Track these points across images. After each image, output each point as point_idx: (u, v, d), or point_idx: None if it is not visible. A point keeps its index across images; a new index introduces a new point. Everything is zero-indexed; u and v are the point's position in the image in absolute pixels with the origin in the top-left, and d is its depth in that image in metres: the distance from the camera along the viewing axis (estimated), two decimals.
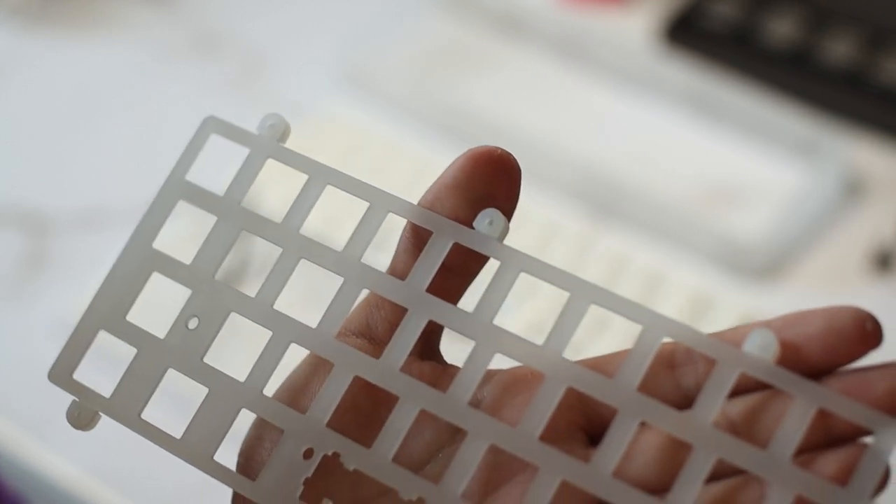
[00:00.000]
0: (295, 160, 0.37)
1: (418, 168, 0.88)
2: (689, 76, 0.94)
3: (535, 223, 0.86)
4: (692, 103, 0.94)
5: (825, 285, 0.83)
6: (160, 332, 0.37)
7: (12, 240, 0.85)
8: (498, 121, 0.91)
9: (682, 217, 0.85)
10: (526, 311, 0.78)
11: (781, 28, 0.96)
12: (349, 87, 0.95)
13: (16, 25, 1.00)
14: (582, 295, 0.34)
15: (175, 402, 0.43)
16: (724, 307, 0.81)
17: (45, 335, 0.78)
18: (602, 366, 0.34)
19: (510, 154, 0.36)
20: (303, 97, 0.95)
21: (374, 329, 0.36)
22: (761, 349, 0.32)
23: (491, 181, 0.35)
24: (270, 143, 0.38)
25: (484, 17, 1.01)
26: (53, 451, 0.73)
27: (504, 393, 0.35)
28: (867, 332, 0.32)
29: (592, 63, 0.97)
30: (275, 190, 0.82)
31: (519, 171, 0.35)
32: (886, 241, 0.85)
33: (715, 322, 0.80)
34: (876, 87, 0.93)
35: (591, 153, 0.90)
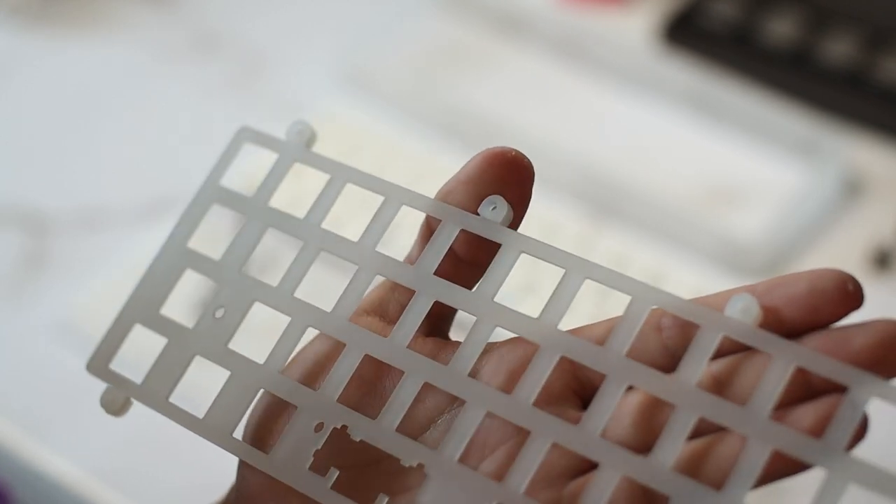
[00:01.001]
0: (321, 163, 0.40)
1: (418, 168, 0.88)
2: (689, 76, 0.94)
3: (535, 223, 0.86)
4: (692, 103, 0.94)
5: None
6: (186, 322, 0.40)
7: (12, 240, 0.85)
8: (498, 120, 0.91)
9: (682, 217, 0.85)
10: (526, 310, 0.78)
11: (781, 28, 0.96)
12: (349, 87, 0.95)
13: (16, 25, 1.00)
14: (576, 271, 0.36)
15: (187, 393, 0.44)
16: None
17: (45, 335, 0.78)
18: (594, 334, 0.36)
19: (524, 156, 0.37)
20: (303, 97, 0.95)
21: (386, 309, 0.39)
22: (742, 313, 0.33)
23: (502, 180, 0.37)
24: (298, 147, 0.41)
25: (484, 17, 1.01)
26: (53, 451, 0.73)
27: (502, 363, 0.37)
28: (848, 292, 0.33)
29: (592, 63, 0.97)
30: (283, 186, 0.82)
31: (532, 172, 0.37)
32: (886, 240, 0.85)
33: None
34: (876, 87, 0.93)
35: (591, 153, 0.90)
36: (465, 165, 0.37)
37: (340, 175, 0.40)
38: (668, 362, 0.35)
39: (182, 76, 0.97)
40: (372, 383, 0.37)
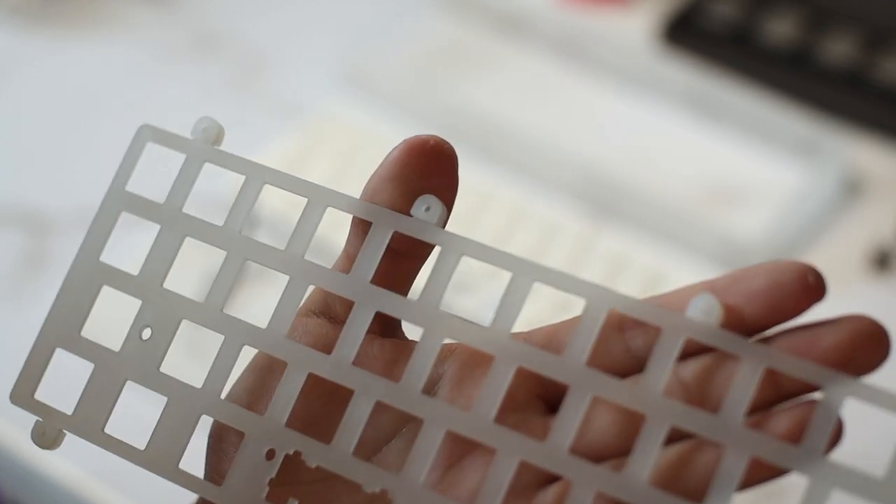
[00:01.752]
0: (231, 162, 0.37)
1: None
2: (689, 76, 0.94)
3: (535, 223, 0.86)
4: (692, 103, 0.94)
5: None
6: (118, 344, 0.37)
7: (12, 240, 0.85)
8: (498, 120, 0.91)
9: (682, 217, 0.85)
10: (526, 311, 0.78)
11: (781, 28, 0.96)
12: (349, 87, 0.95)
13: (16, 25, 1.00)
14: (523, 273, 0.34)
15: (139, 409, 0.43)
16: None
17: None
18: (552, 338, 0.35)
19: (445, 142, 0.35)
20: (303, 97, 0.95)
21: (332, 308, 0.37)
22: (705, 313, 0.32)
23: (427, 171, 0.35)
24: (206, 147, 0.38)
25: (484, 17, 1.01)
26: (53, 452, 0.73)
27: (463, 367, 0.36)
28: (809, 285, 0.32)
29: (592, 63, 0.97)
30: (274, 189, 0.82)
31: (455, 158, 0.35)
32: (885, 240, 0.85)
33: None
34: (876, 87, 0.93)
35: (591, 153, 0.90)
36: (387, 160, 0.35)
37: (256, 176, 0.37)
38: (633, 364, 0.34)
39: (182, 76, 0.97)
40: (326, 404, 0.36)
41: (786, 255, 0.84)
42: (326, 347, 0.35)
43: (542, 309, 0.79)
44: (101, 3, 1.02)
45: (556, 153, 0.89)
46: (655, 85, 0.95)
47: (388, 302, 0.35)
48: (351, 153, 0.89)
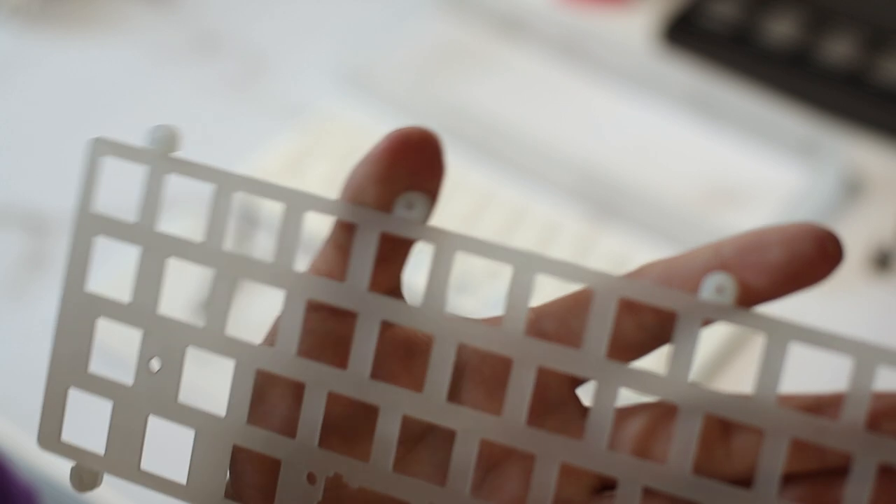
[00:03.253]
0: (197, 171, 0.34)
1: None
2: (689, 76, 0.95)
3: (535, 223, 0.86)
4: (692, 103, 0.94)
5: (825, 285, 0.83)
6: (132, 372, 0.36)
7: (12, 240, 0.86)
8: (498, 120, 0.91)
9: (682, 217, 0.85)
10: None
11: (781, 28, 0.96)
12: (349, 88, 0.95)
13: (16, 25, 1.00)
14: (525, 266, 0.33)
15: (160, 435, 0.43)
16: None
17: (46, 335, 0.78)
18: (564, 321, 0.34)
19: (429, 133, 0.33)
20: (303, 98, 0.95)
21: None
22: (719, 292, 0.31)
23: (412, 167, 0.33)
24: (167, 158, 0.35)
25: (484, 18, 1.01)
26: None
27: (483, 363, 0.34)
28: (829, 253, 0.31)
29: (593, 63, 0.97)
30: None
31: (440, 147, 0.33)
32: (886, 241, 0.85)
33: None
34: (876, 87, 0.93)
35: (592, 153, 0.90)
36: (369, 157, 0.33)
37: (227, 184, 0.34)
38: (649, 340, 0.33)
39: (182, 76, 0.97)
40: (353, 421, 0.35)
41: None
42: (336, 346, 0.34)
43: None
44: (101, 3, 1.02)
45: (556, 153, 0.89)
46: (655, 85, 0.95)
47: (391, 310, 0.34)
48: (351, 153, 0.89)
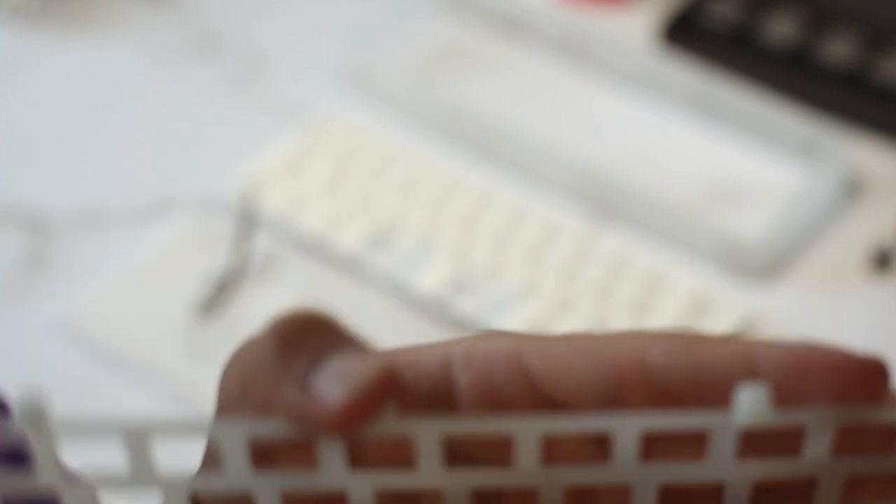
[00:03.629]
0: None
1: (418, 169, 0.88)
2: (689, 76, 0.95)
3: (534, 223, 0.86)
4: (692, 103, 0.94)
5: (825, 285, 0.83)
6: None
7: (12, 240, 0.86)
8: (498, 120, 0.91)
9: (682, 217, 0.85)
10: (526, 311, 0.78)
11: (781, 28, 0.96)
12: (349, 88, 0.95)
13: (16, 25, 1.00)
14: (526, 431, 0.27)
15: None
16: (723, 307, 0.81)
17: (46, 335, 0.78)
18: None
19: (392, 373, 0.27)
20: (303, 98, 0.95)
21: None
22: (752, 406, 0.27)
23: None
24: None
25: (484, 18, 1.01)
26: None
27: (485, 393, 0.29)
28: (872, 392, 0.27)
29: (593, 63, 0.97)
30: (276, 189, 0.82)
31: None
32: (886, 241, 0.85)
33: (715, 322, 0.80)
34: (876, 87, 0.93)
35: (592, 153, 0.90)
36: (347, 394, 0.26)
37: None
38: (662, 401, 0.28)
39: (182, 76, 0.97)
40: None
41: (786, 256, 0.84)
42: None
43: (543, 308, 0.80)
44: (101, 3, 1.02)
45: (556, 153, 0.89)
46: (655, 85, 0.95)
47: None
48: (351, 154, 0.90)
